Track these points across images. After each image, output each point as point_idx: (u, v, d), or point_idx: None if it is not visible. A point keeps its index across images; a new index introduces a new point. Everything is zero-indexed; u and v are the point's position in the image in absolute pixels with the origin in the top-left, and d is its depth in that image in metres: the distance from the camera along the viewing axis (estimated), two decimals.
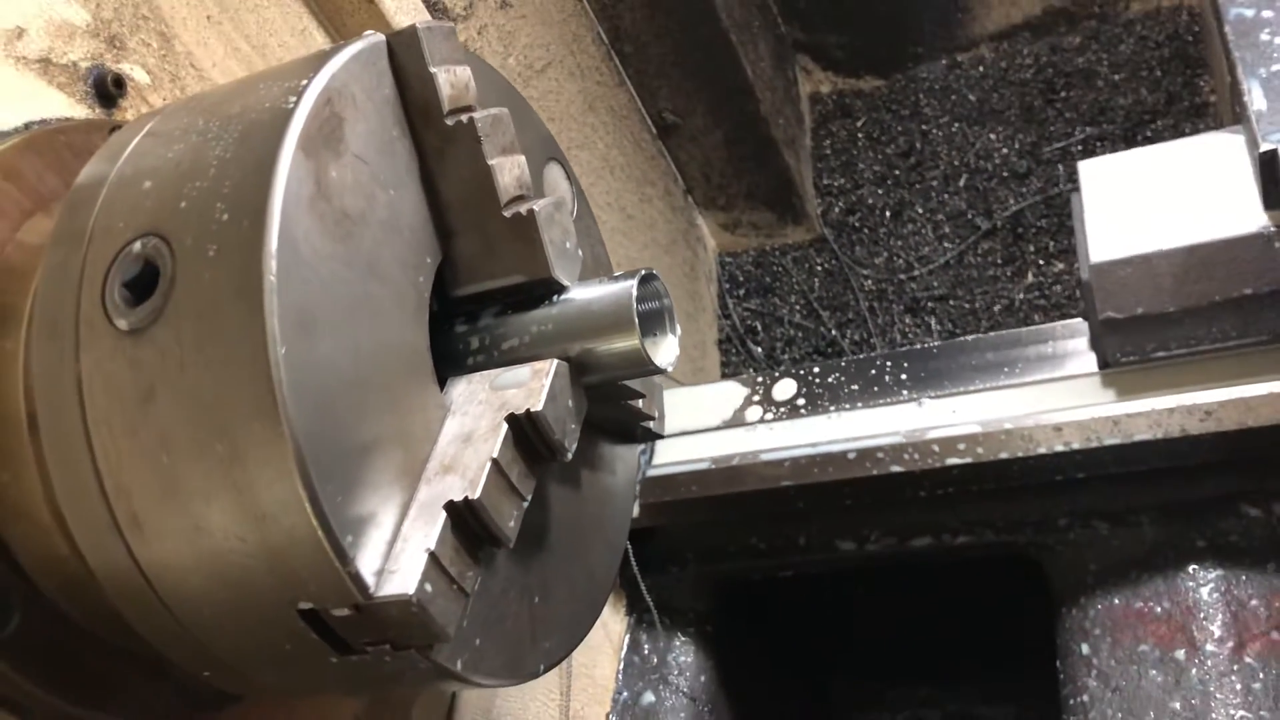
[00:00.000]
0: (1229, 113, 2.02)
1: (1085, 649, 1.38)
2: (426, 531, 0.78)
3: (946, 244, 2.65)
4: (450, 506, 0.79)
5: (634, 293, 0.88)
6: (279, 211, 0.74)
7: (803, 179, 2.81)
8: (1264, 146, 1.18)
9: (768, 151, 2.68)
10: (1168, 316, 1.29)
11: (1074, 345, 1.43)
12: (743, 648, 1.65)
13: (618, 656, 1.64)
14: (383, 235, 0.84)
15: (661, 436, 1.15)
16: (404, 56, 0.88)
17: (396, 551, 0.77)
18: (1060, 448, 1.34)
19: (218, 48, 1.32)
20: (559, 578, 0.99)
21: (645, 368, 0.89)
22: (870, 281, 2.68)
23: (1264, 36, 1.28)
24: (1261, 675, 1.26)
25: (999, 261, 2.59)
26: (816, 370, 1.58)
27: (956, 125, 2.77)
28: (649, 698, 1.59)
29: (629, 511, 1.15)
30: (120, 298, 0.78)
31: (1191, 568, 1.37)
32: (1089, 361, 1.40)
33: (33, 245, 1.00)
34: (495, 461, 0.81)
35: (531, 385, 0.86)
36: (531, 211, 0.88)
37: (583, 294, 0.91)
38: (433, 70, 0.87)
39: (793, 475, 1.48)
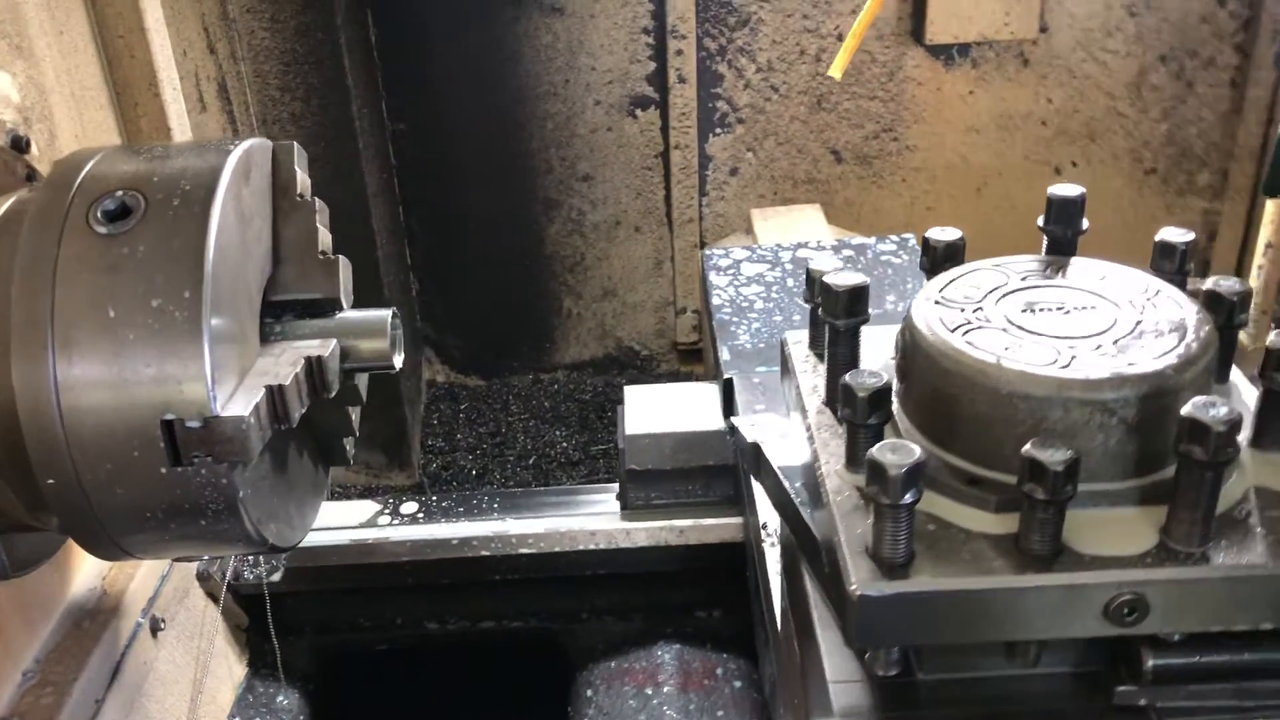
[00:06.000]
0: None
1: (590, 693, 1.91)
2: (252, 394, 1.22)
3: None
4: (267, 388, 1.24)
5: (389, 316, 1.42)
6: (224, 191, 1.23)
7: (413, 437, 3.37)
8: (725, 376, 1.95)
9: (393, 407, 3.24)
10: (667, 473, 1.96)
11: (607, 498, 2.06)
12: (344, 705, 2.00)
13: (235, 693, 1.93)
14: (253, 239, 1.33)
15: (349, 464, 1.61)
16: (281, 155, 1.41)
17: (235, 399, 1.21)
18: (593, 546, 1.93)
19: None
20: (288, 501, 1.42)
21: (387, 363, 1.41)
22: None
23: (730, 328, 2.10)
24: (695, 701, 1.85)
25: None
26: (434, 499, 2.09)
27: (533, 421, 3.50)
28: None
29: (317, 509, 1.59)
30: (101, 216, 1.21)
31: (662, 644, 1.96)
32: (616, 505, 2.03)
33: None
34: (297, 375, 1.28)
35: (320, 347, 1.35)
36: (338, 257, 1.42)
37: (355, 313, 1.42)
38: (295, 168, 1.42)
39: (410, 554, 1.94)
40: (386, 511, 2.06)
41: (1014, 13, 3.04)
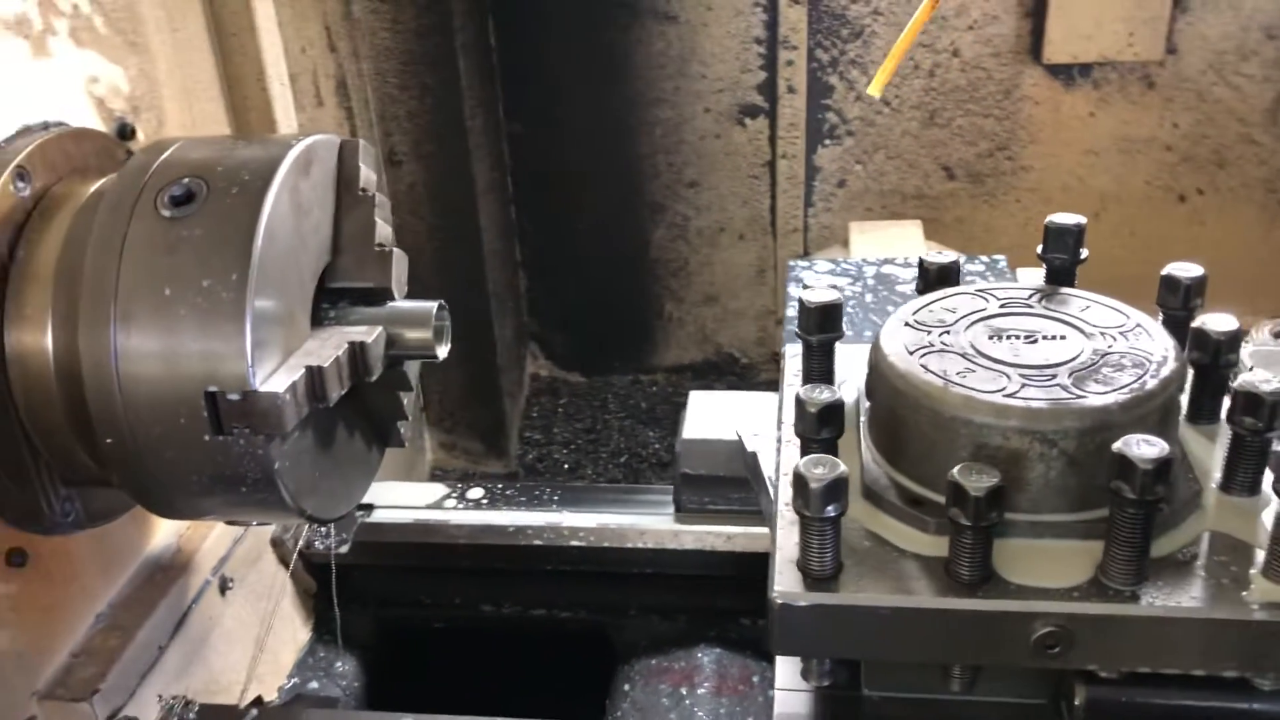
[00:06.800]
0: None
1: (627, 687, 1.95)
2: (292, 373, 1.31)
3: None
4: (307, 368, 1.33)
5: (435, 308, 1.49)
6: (279, 183, 1.32)
7: (511, 427, 3.48)
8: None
9: (494, 398, 3.35)
10: (720, 479, 1.98)
11: (663, 499, 2.10)
12: (399, 676, 2.11)
13: (296, 655, 2.05)
14: (310, 229, 1.42)
15: (403, 445, 1.70)
16: (347, 152, 1.50)
17: (275, 377, 1.30)
18: (642, 545, 1.98)
19: None
20: (333, 476, 1.50)
21: (430, 352, 1.48)
22: None
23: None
24: (727, 706, 1.87)
25: None
26: (499, 487, 2.17)
27: (629, 421, 3.56)
28: (314, 684, 2.00)
29: (365, 488, 1.67)
30: (168, 201, 1.32)
31: (702, 646, 1.99)
32: (670, 507, 2.06)
33: (60, 192, 1.51)
34: (338, 358, 1.37)
35: (366, 333, 1.43)
36: (393, 250, 1.50)
37: (404, 303, 1.50)
38: (360, 164, 1.51)
39: (469, 537, 2.03)
40: (454, 496, 2.14)
41: (1139, 33, 2.93)
